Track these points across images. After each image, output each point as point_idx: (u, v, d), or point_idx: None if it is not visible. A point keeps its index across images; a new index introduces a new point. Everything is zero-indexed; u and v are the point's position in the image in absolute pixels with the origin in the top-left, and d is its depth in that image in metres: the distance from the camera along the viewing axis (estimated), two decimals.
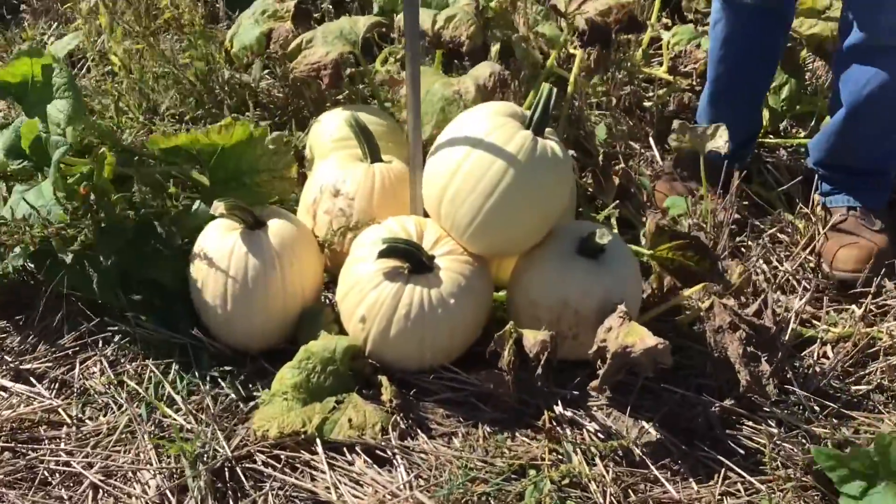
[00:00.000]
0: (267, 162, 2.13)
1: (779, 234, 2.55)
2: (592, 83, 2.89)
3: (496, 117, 1.92)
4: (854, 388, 2.06)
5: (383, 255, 1.92)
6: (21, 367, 2.06)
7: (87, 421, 1.94)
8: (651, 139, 2.93)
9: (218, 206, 1.94)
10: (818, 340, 2.16)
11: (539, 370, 1.85)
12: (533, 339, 1.87)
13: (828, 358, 2.13)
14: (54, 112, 2.20)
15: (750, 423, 1.95)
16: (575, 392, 2.00)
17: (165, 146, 2.13)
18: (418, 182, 2.08)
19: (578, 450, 1.86)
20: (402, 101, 2.29)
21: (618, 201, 2.47)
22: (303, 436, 1.86)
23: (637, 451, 1.86)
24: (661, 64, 3.14)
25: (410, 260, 1.95)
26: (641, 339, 1.81)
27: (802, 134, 2.97)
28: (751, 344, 1.90)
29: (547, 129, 1.96)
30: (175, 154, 2.17)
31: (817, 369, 2.08)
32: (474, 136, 1.90)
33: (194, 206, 2.13)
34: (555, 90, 1.92)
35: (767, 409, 1.98)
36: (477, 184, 1.88)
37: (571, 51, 2.91)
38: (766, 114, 2.85)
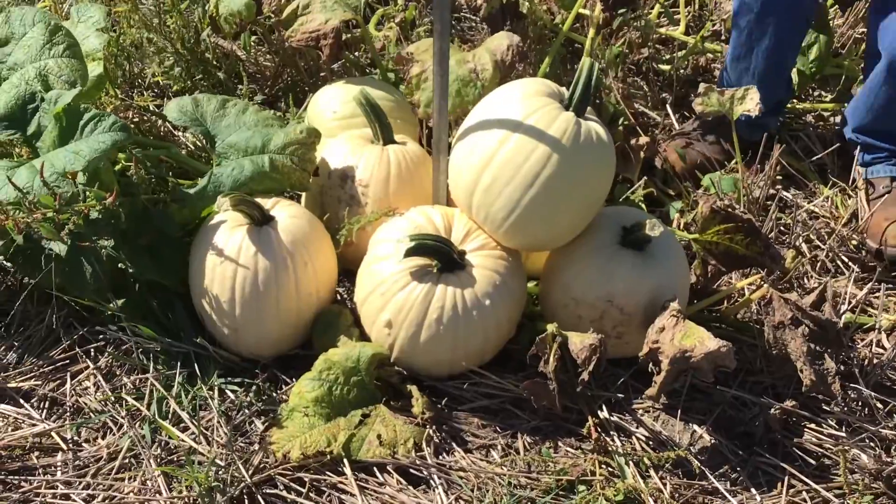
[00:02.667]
0: (295, 150, 1.92)
1: (815, 210, 2.39)
2: (609, 48, 2.67)
3: (534, 98, 1.72)
4: None
5: (411, 253, 1.72)
6: (6, 384, 1.85)
7: (83, 445, 1.75)
8: (668, 106, 2.74)
9: (223, 203, 1.73)
10: (873, 328, 2.00)
11: (585, 377, 1.69)
12: (580, 342, 1.69)
13: (884, 348, 1.99)
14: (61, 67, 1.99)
15: (811, 426, 1.81)
16: (619, 395, 1.84)
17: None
18: (443, 168, 1.88)
19: (630, 462, 1.71)
20: (415, 81, 2.07)
21: (644, 178, 2.29)
22: (328, 456, 1.68)
23: (694, 460, 1.71)
24: (677, 24, 2.93)
25: (440, 257, 1.76)
26: (701, 341, 1.65)
27: (828, 98, 2.80)
28: (814, 340, 1.75)
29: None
30: None
31: (875, 361, 1.93)
32: (511, 119, 1.70)
33: (200, 183, 1.90)
34: (596, 65, 1.73)
35: (827, 408, 1.85)
36: (516, 173, 1.69)
37: (581, 10, 2.69)
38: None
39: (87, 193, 1.77)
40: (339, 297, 2.07)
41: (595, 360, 1.69)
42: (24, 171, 1.81)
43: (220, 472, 1.64)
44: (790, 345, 1.75)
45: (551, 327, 1.72)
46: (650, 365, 1.72)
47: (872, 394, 1.83)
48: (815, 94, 2.88)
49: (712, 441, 1.77)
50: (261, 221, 1.82)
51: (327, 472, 1.67)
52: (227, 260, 1.78)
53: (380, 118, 2.05)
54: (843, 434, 1.78)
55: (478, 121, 1.77)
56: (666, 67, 2.82)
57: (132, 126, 2.39)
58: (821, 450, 1.77)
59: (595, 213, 1.81)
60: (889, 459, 1.72)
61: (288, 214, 1.85)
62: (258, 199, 1.84)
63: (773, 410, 1.78)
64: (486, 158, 1.71)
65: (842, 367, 1.89)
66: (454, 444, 1.75)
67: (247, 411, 1.79)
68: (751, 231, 1.91)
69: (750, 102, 2.25)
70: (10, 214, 1.75)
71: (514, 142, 1.69)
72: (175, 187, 1.98)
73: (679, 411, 1.81)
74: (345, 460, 1.68)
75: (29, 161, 1.87)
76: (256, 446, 1.71)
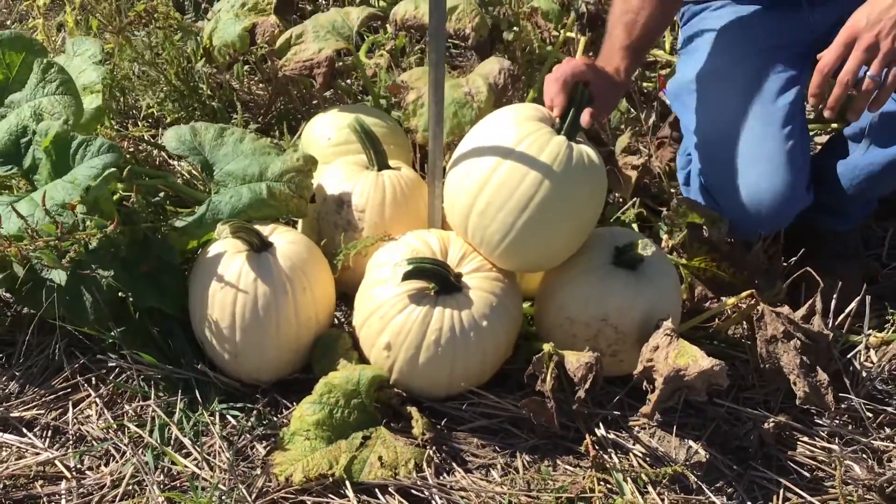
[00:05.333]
0: (292, 178, 1.95)
1: None
2: None
3: (526, 123, 1.75)
4: None
5: (408, 276, 1.75)
6: (9, 414, 1.86)
7: (87, 473, 1.76)
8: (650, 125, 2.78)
9: (223, 230, 1.76)
10: (861, 343, 2.04)
11: (582, 394, 1.72)
12: (576, 361, 1.73)
13: (872, 362, 2.02)
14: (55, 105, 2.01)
15: (804, 439, 1.84)
16: (616, 412, 1.87)
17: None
18: (438, 193, 1.92)
19: (629, 478, 1.74)
20: (411, 108, 2.11)
21: (635, 198, 2.33)
22: (330, 479, 1.70)
23: (691, 476, 1.73)
24: (662, 45, 2.99)
25: (437, 280, 1.79)
26: (695, 360, 1.68)
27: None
28: (806, 353, 1.78)
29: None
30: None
31: (864, 374, 1.97)
32: (503, 146, 1.73)
33: (199, 211, 1.92)
34: (587, 90, 1.77)
35: (820, 421, 1.88)
36: (509, 197, 1.72)
37: (569, 34, 2.75)
38: None
39: (88, 222, 1.79)
40: (337, 321, 2.10)
41: (591, 378, 1.72)
42: (24, 204, 1.84)
43: (224, 497, 1.66)
44: (783, 358, 1.79)
45: (548, 346, 1.75)
46: (644, 383, 1.75)
47: (863, 402, 1.87)
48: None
49: (708, 456, 1.80)
50: (260, 248, 1.85)
51: (330, 495, 1.69)
52: (227, 286, 1.81)
53: (374, 144, 2.08)
54: (836, 447, 1.82)
55: (471, 147, 1.80)
56: (650, 86, 2.87)
57: (129, 156, 2.43)
58: (814, 462, 1.80)
59: (588, 233, 1.85)
60: (882, 470, 1.75)
61: (286, 240, 1.88)
62: (257, 226, 1.87)
63: (766, 424, 1.82)
64: (480, 183, 1.75)
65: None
66: (454, 465, 1.77)
67: (248, 436, 1.81)
68: (736, 261, 1.96)
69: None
70: (12, 243, 1.77)
71: (507, 166, 1.72)
72: (173, 215, 2.01)
73: (674, 427, 1.84)
74: (347, 482, 1.69)
75: (28, 195, 1.89)
76: (259, 470, 1.73)
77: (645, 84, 2.90)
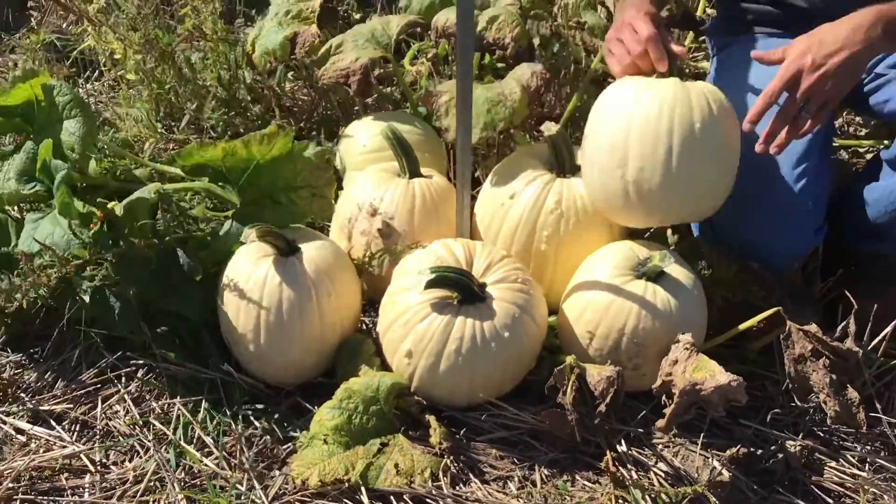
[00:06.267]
0: (307, 178, 1.95)
1: None
2: None
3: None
4: None
5: (431, 285, 1.75)
6: (39, 407, 1.91)
7: (111, 467, 1.79)
8: None
9: (249, 234, 1.78)
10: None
11: (603, 409, 1.70)
12: (597, 375, 1.71)
13: None
14: (66, 135, 2.02)
15: (832, 463, 1.79)
16: (639, 429, 1.85)
17: (200, 160, 1.93)
18: (466, 202, 1.92)
19: (647, 496, 1.71)
20: (444, 108, 2.11)
21: None
22: (346, 484, 1.70)
23: (712, 497, 1.70)
24: (708, 58, 2.94)
25: (460, 289, 1.79)
26: (712, 374, 1.65)
27: (864, 132, 2.78)
28: (836, 372, 1.74)
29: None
30: (202, 171, 1.99)
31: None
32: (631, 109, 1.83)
33: (224, 228, 1.96)
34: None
35: (849, 445, 1.83)
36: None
37: None
38: None
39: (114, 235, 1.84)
40: (364, 327, 2.11)
41: (612, 392, 1.70)
42: (46, 223, 1.90)
43: (241, 498, 1.68)
44: (812, 377, 1.75)
45: (570, 359, 1.73)
46: (663, 397, 1.73)
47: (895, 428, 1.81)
48: (850, 128, 2.86)
49: (731, 477, 1.76)
50: (287, 252, 1.87)
51: (345, 500, 1.69)
52: (253, 289, 1.83)
53: (406, 152, 2.09)
54: (865, 473, 1.76)
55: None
56: None
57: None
58: (842, 489, 1.75)
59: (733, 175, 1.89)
60: None
61: (313, 246, 1.90)
62: (285, 230, 1.89)
63: (793, 447, 1.77)
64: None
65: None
66: (471, 475, 1.76)
67: (269, 438, 1.82)
68: (766, 284, 1.92)
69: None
70: (40, 274, 1.83)
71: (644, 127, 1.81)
72: (201, 231, 2.04)
73: (699, 447, 1.80)
74: (362, 488, 1.69)
75: (52, 213, 1.95)
76: (277, 472, 1.75)
77: None
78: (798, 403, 1.86)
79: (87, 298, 1.84)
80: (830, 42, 1.72)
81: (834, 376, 1.73)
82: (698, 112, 1.79)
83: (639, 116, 1.80)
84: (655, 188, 1.81)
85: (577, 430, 1.72)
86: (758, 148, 1.78)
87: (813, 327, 1.77)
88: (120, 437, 1.85)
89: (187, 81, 2.58)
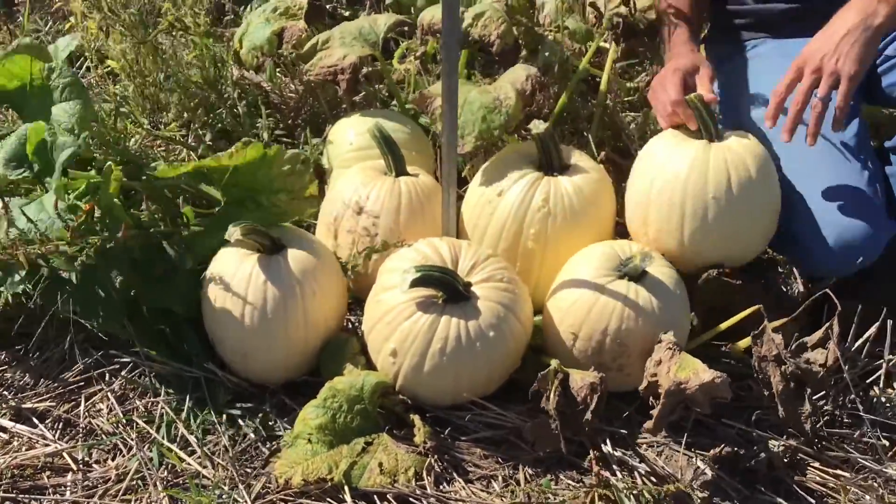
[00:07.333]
0: (283, 182, 1.95)
1: None
2: (624, 80, 2.70)
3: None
4: None
5: (416, 284, 1.75)
6: (22, 405, 1.90)
7: (94, 466, 1.78)
8: None
9: (234, 232, 1.78)
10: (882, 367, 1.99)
11: (588, 415, 1.70)
12: (581, 380, 1.71)
13: (893, 387, 1.97)
14: (62, 115, 2.01)
15: (815, 464, 1.80)
16: (623, 430, 1.85)
17: (174, 174, 1.95)
18: (452, 201, 1.91)
19: (631, 495, 1.71)
20: (438, 112, 2.11)
21: None
22: (329, 483, 1.70)
23: (695, 496, 1.70)
24: None
25: (445, 289, 1.79)
26: (696, 373, 1.66)
27: None
28: (796, 380, 1.75)
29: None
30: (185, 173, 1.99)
31: (883, 399, 1.92)
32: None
33: (208, 225, 1.94)
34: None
35: (833, 446, 1.83)
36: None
37: (602, 44, 2.72)
38: None
39: (98, 226, 1.83)
40: (349, 326, 2.10)
41: (595, 398, 1.70)
42: (33, 207, 1.89)
43: (224, 497, 1.67)
44: (772, 379, 1.76)
45: (554, 363, 1.73)
46: (651, 398, 1.73)
47: (879, 430, 1.82)
48: None
49: (714, 477, 1.76)
50: (272, 250, 1.86)
51: (328, 499, 1.69)
52: (238, 287, 1.82)
53: (392, 150, 2.09)
54: (847, 474, 1.77)
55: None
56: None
57: (161, 155, 2.49)
58: (824, 489, 1.75)
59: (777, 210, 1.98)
60: (893, 500, 1.70)
61: (299, 244, 1.89)
62: (270, 229, 1.88)
63: (776, 447, 1.78)
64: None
65: (848, 404, 1.88)
66: (455, 474, 1.76)
67: (252, 436, 1.82)
68: (749, 295, 1.92)
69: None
70: (19, 246, 1.81)
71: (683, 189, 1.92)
72: (186, 227, 2.03)
73: (683, 446, 1.81)
74: (345, 488, 1.69)
75: (39, 199, 1.94)
76: (260, 471, 1.74)
77: None
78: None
79: (70, 277, 1.82)
80: (833, 30, 1.82)
81: (792, 384, 1.75)
82: (713, 183, 1.89)
83: (659, 181, 1.93)
84: (673, 253, 1.95)
85: (562, 440, 1.72)
86: (782, 137, 1.84)
87: (778, 338, 1.77)
88: (103, 436, 1.84)
89: (171, 74, 2.56)
